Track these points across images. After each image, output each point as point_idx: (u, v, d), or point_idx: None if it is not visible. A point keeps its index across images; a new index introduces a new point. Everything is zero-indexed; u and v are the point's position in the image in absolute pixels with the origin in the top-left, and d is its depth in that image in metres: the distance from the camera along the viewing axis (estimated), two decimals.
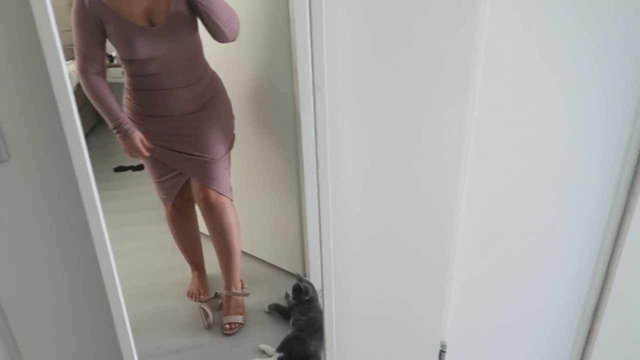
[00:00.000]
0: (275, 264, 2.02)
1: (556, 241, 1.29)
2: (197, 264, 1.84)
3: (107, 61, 2.68)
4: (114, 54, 2.54)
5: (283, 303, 1.78)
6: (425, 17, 0.90)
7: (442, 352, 1.35)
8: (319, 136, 0.94)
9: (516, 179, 1.20)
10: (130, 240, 2.21)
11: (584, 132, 1.13)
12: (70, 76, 0.87)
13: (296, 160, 1.73)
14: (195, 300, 1.81)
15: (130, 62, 1.38)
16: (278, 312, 1.74)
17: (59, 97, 0.78)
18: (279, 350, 1.56)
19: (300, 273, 1.87)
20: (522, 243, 1.29)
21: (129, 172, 2.77)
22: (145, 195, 2.58)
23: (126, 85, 1.47)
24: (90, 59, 1.34)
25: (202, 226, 1.79)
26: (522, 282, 1.34)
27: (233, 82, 1.65)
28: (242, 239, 1.73)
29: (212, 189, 1.54)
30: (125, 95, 1.49)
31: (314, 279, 1.82)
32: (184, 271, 1.91)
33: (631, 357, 1.41)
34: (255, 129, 1.83)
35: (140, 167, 2.61)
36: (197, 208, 1.70)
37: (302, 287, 1.67)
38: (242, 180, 1.86)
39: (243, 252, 1.82)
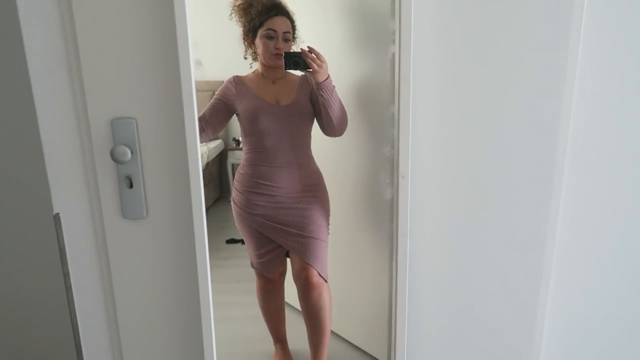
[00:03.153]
0: (361, 347, 2.04)
1: None
2: (280, 337, 1.92)
3: (233, 144, 3.04)
4: (240, 138, 2.92)
5: None
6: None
7: None
8: (401, 221, 1.03)
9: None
10: (229, 308, 2.38)
11: None
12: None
13: (390, 247, 1.81)
14: None
15: (252, 136, 1.61)
16: None
17: (193, 175, 0.99)
18: None
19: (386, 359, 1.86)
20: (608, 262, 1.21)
21: (239, 244, 3.01)
22: (249, 267, 2.79)
23: (242, 162, 1.70)
24: (211, 124, 1.60)
25: (289, 296, 1.87)
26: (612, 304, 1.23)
27: (331, 173, 1.81)
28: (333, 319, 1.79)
29: (314, 268, 1.63)
30: (239, 171, 1.71)
31: None
32: (271, 343, 2.00)
33: None
34: (351, 218, 1.95)
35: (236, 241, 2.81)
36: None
37: None
38: (336, 261, 1.96)
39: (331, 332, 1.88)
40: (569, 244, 1.16)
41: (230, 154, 2.98)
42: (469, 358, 1.22)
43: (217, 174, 3.01)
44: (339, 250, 1.98)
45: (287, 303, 1.98)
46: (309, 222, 1.65)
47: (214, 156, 2.78)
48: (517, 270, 1.12)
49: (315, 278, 1.62)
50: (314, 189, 1.71)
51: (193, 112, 0.96)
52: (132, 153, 0.99)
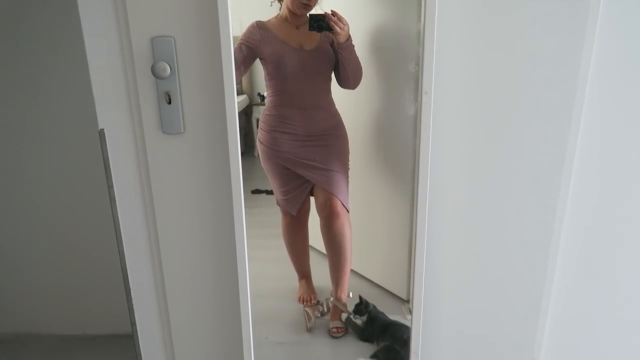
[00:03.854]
0: (381, 285, 2.13)
1: None
2: (305, 272, 2.03)
3: (258, 99, 3.12)
4: (264, 93, 2.98)
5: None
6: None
7: None
8: (422, 140, 1.09)
9: (622, 203, 1.21)
10: (256, 250, 2.50)
11: None
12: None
13: (412, 184, 1.87)
14: (305, 305, 1.98)
15: (277, 79, 1.68)
16: (353, 328, 1.83)
17: (227, 92, 1.05)
18: (372, 357, 1.66)
19: (405, 297, 1.95)
20: (623, 267, 1.27)
21: (264, 194, 3.12)
22: (273, 215, 2.91)
23: (267, 104, 1.78)
24: (236, 65, 1.68)
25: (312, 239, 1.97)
26: (621, 307, 1.30)
27: (352, 117, 1.87)
28: (353, 258, 1.88)
29: (338, 198, 1.73)
30: (265, 112, 1.79)
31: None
32: (296, 280, 2.11)
33: None
34: (373, 160, 2.01)
35: (272, 192, 2.95)
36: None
37: (366, 302, 1.75)
38: (358, 199, 2.03)
39: (352, 270, 1.97)
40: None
41: (255, 109, 3.05)
42: (484, 294, 1.28)
43: (242, 129, 3.10)
44: (360, 189, 2.05)
45: (311, 246, 2.07)
46: (331, 158, 1.74)
47: (239, 111, 2.85)
48: (533, 193, 1.17)
49: (339, 207, 1.72)
50: (335, 127, 1.80)
51: (228, 32, 1.02)
52: (170, 70, 1.05)
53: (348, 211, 1.81)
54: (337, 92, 1.79)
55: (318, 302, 1.98)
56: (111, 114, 1.12)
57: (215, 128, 1.13)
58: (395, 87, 1.83)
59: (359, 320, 1.82)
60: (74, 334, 2.09)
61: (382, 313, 1.82)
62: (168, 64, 1.05)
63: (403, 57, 1.73)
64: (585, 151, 1.16)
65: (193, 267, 1.25)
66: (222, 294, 1.29)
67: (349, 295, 1.99)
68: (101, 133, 1.13)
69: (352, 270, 1.95)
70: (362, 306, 1.80)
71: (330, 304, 1.91)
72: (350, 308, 1.91)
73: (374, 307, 1.82)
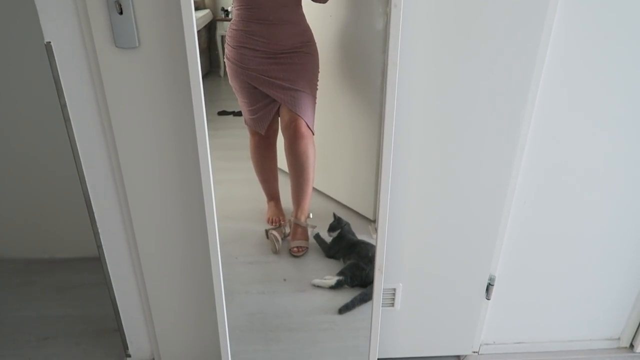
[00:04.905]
0: (349, 206, 2.16)
1: (615, 180, 1.31)
2: (273, 194, 2.03)
3: (222, 14, 2.97)
4: (229, 8, 2.82)
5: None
6: None
7: (490, 285, 1.42)
8: (391, 52, 1.05)
9: (580, 116, 1.23)
10: (223, 173, 2.47)
11: None
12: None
13: (380, 99, 1.85)
14: (274, 225, 2.01)
15: None
16: (321, 245, 1.87)
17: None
18: (339, 274, 1.71)
19: (371, 217, 1.99)
20: (579, 183, 1.31)
21: (230, 116, 3.05)
22: (241, 137, 2.86)
23: (234, 18, 1.68)
24: None
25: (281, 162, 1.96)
26: (577, 223, 1.36)
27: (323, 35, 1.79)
28: (320, 178, 1.88)
29: (303, 119, 1.70)
30: (231, 27, 1.69)
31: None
32: (265, 202, 2.12)
33: None
34: (341, 78, 1.96)
35: (239, 114, 2.89)
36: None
37: (339, 219, 1.80)
38: (325, 118, 2.00)
39: (317, 190, 1.98)
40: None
41: (219, 25, 2.89)
42: (446, 213, 1.32)
43: (206, 47, 2.95)
44: (328, 108, 2.02)
45: (280, 168, 2.06)
46: (298, 77, 1.68)
47: (201, 27, 2.69)
48: (497, 112, 1.17)
49: (304, 128, 1.70)
50: (305, 45, 1.72)
51: None
52: None
53: (313, 133, 1.79)
54: (307, 5, 1.70)
55: (281, 224, 2.01)
56: (57, 25, 1.03)
57: (174, 43, 1.06)
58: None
59: (327, 239, 1.87)
60: (41, 257, 2.08)
61: (352, 233, 1.86)
62: None
63: None
64: (547, 89, 1.16)
65: (158, 188, 1.23)
66: (190, 216, 1.29)
67: (309, 216, 2.03)
68: (48, 46, 1.05)
69: (320, 192, 1.97)
70: (335, 223, 1.83)
71: (292, 225, 1.95)
72: (325, 226, 1.95)
73: (348, 225, 1.86)
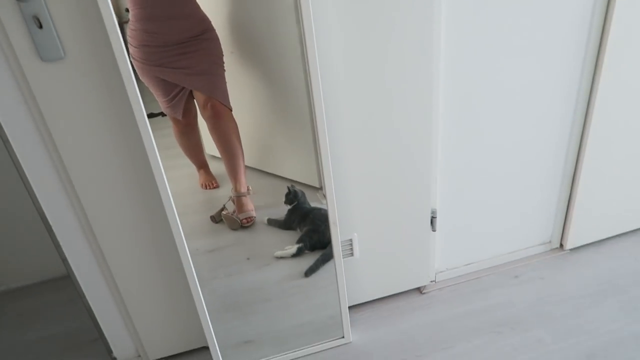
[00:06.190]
0: (294, 179, 2.25)
1: (524, 98, 1.49)
2: (201, 162, 2.13)
3: (127, 16, 2.93)
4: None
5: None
6: None
7: (433, 218, 1.58)
8: (306, 26, 1.15)
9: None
10: (167, 171, 2.49)
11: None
12: None
13: (304, 81, 1.94)
14: (208, 189, 2.07)
15: None
16: (277, 225, 1.97)
17: (104, 9, 1.02)
18: (298, 242, 1.82)
19: (317, 185, 2.10)
20: (493, 108, 1.48)
21: (159, 117, 3.05)
22: (171, 137, 2.88)
23: (131, 18, 1.73)
24: None
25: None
26: (497, 146, 1.54)
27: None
28: (259, 157, 1.97)
29: (216, 100, 1.80)
30: (130, 27, 1.74)
31: None
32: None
33: None
34: (258, 54, 2.02)
35: (162, 114, 2.89)
36: None
37: (295, 191, 1.91)
38: (254, 97, 2.07)
39: (258, 170, 2.07)
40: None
41: (125, 27, 2.87)
42: (382, 159, 1.44)
43: None
44: (251, 86, 2.08)
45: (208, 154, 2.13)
46: (202, 62, 1.79)
47: None
48: (410, 78, 1.30)
49: (219, 107, 1.81)
50: (204, 33, 1.83)
51: None
52: None
53: (230, 109, 1.89)
54: None
55: (224, 207, 2.10)
56: None
57: (98, 48, 1.10)
58: None
59: (279, 216, 1.97)
60: None
61: (307, 202, 1.96)
62: None
63: None
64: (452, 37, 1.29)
65: (111, 192, 1.27)
66: (149, 214, 1.35)
67: (248, 189, 2.13)
68: None
69: (263, 171, 2.06)
70: (291, 195, 1.92)
71: (235, 199, 2.04)
72: (274, 204, 2.04)
73: (303, 194, 1.95)
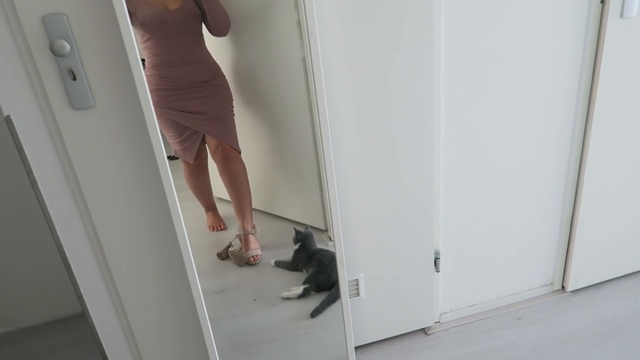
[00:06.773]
0: (299, 221, 2.31)
1: (521, 143, 1.56)
2: (210, 204, 2.19)
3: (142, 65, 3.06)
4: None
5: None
6: None
7: (437, 259, 1.63)
8: (316, 79, 1.24)
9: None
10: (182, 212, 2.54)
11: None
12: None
13: (310, 114, 2.03)
14: (215, 231, 2.13)
15: (150, 41, 1.76)
16: (284, 266, 2.02)
17: (132, 62, 1.12)
18: (304, 283, 1.86)
19: (323, 227, 2.16)
20: (494, 155, 1.55)
21: (175, 161, 3.12)
22: (181, 179, 2.96)
23: (147, 65, 1.86)
24: None
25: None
26: (498, 190, 1.60)
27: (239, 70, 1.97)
28: (266, 201, 2.04)
29: (227, 143, 1.90)
30: (146, 73, 1.86)
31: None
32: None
33: None
34: (269, 102, 2.12)
35: (175, 158, 2.98)
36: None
37: (304, 232, 1.96)
38: (261, 144, 2.15)
39: (265, 212, 2.13)
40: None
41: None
42: (387, 202, 1.51)
43: None
44: (261, 133, 2.17)
45: (217, 197, 2.20)
46: (214, 107, 1.91)
47: None
48: (413, 114, 1.39)
49: (229, 151, 1.91)
50: (214, 79, 1.96)
51: (122, 4, 1.07)
52: (70, 46, 1.08)
53: (240, 152, 1.98)
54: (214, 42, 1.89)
55: (231, 243, 2.15)
56: (15, 98, 1.12)
57: (125, 97, 1.19)
58: (279, 31, 1.94)
59: (285, 258, 2.01)
60: (6, 330, 2.05)
61: (314, 241, 2.01)
62: (65, 41, 1.07)
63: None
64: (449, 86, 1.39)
65: (130, 233, 1.33)
66: (164, 256, 1.40)
67: (254, 227, 2.18)
68: (8, 120, 1.14)
69: (270, 214, 2.12)
70: (298, 235, 1.98)
71: (242, 238, 2.09)
72: (282, 246, 2.09)
73: (311, 235, 2.00)
